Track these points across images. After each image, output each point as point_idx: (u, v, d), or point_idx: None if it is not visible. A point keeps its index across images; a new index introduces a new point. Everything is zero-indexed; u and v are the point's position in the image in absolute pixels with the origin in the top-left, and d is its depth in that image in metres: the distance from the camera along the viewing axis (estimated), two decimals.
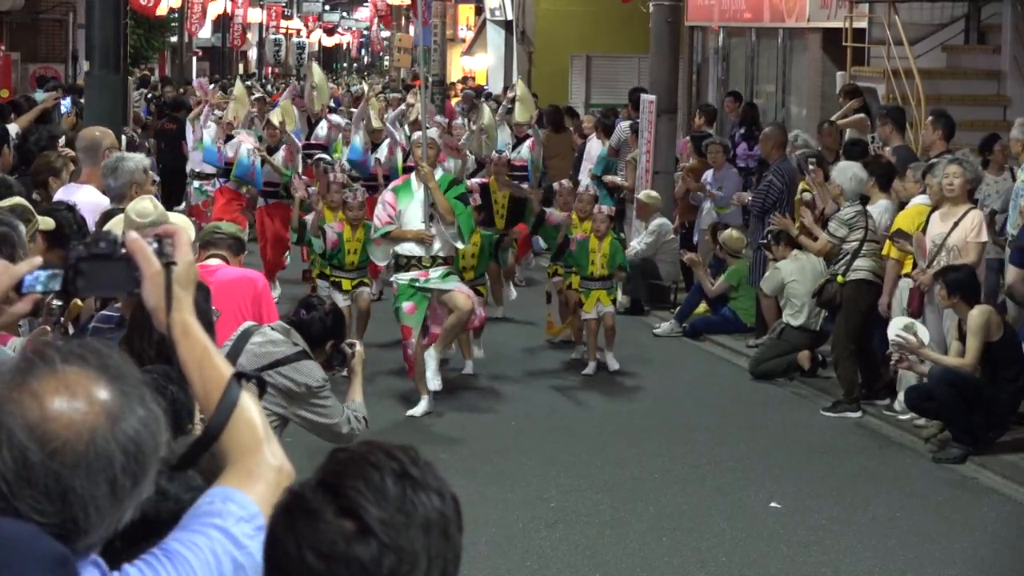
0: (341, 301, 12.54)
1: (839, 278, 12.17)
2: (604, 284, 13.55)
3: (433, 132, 12.62)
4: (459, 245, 12.01)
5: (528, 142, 17.54)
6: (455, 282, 11.85)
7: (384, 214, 11.83)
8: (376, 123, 17.83)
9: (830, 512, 9.54)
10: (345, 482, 2.24)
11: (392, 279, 12.02)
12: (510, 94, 18.91)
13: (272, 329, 6.76)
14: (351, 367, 6.91)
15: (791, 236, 13.38)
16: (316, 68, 20.70)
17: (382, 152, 17.48)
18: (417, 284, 11.72)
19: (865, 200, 12.63)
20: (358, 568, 2.20)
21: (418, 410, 11.59)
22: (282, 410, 6.58)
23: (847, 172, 12.44)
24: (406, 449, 2.32)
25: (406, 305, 11.75)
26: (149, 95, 29.31)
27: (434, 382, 11.57)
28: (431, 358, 11.59)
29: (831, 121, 15.80)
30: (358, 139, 17.65)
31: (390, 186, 12.43)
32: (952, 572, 8.57)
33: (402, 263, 11.84)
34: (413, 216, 11.80)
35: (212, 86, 24.51)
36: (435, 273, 11.72)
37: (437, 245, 11.78)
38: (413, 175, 12.00)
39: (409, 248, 11.79)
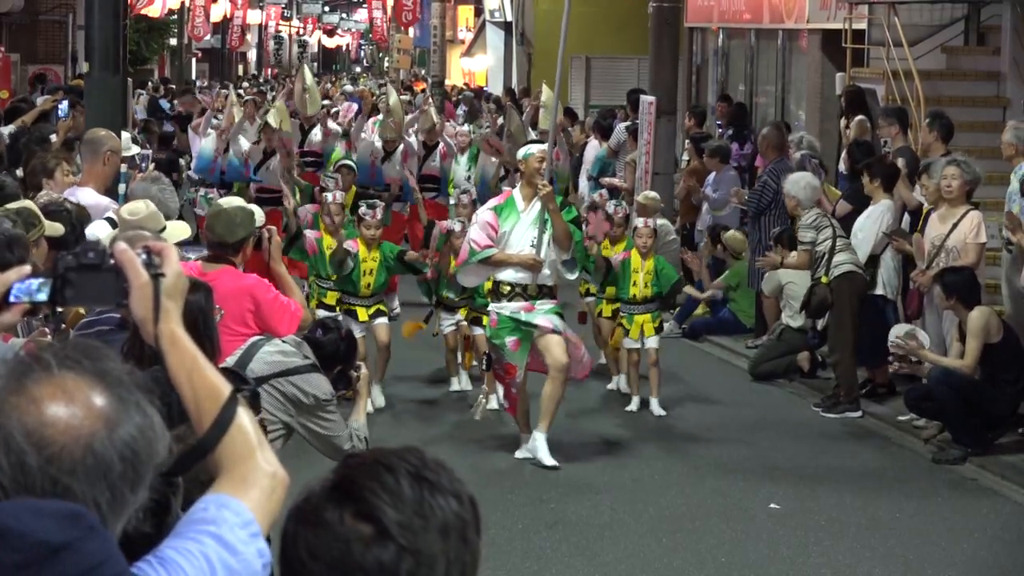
0: (357, 333, 11.01)
1: (823, 279, 12.20)
2: (648, 308, 12.19)
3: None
4: (569, 277, 10.75)
5: (554, 152, 17.02)
6: (559, 321, 10.43)
7: (483, 235, 10.37)
8: (392, 133, 17.06)
9: (829, 513, 9.54)
10: (361, 486, 2.23)
11: (490, 309, 10.58)
12: (534, 101, 18.23)
13: (283, 341, 6.77)
14: (356, 389, 6.91)
15: (792, 237, 13.36)
16: (307, 71, 19.86)
17: (396, 160, 16.81)
18: (520, 319, 10.37)
19: (866, 201, 12.65)
20: (376, 572, 2.18)
21: (527, 453, 10.51)
22: (288, 419, 6.59)
23: (800, 183, 12.60)
24: (417, 452, 2.31)
25: (509, 341, 10.35)
26: (144, 94, 29.21)
27: (549, 460, 10.30)
28: (541, 439, 10.36)
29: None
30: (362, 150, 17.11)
31: (488, 204, 10.84)
32: (952, 573, 8.57)
33: (504, 292, 10.43)
34: (518, 239, 10.38)
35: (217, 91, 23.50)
36: (542, 307, 10.39)
37: (546, 272, 10.41)
38: (517, 192, 10.59)
39: (512, 275, 10.39)
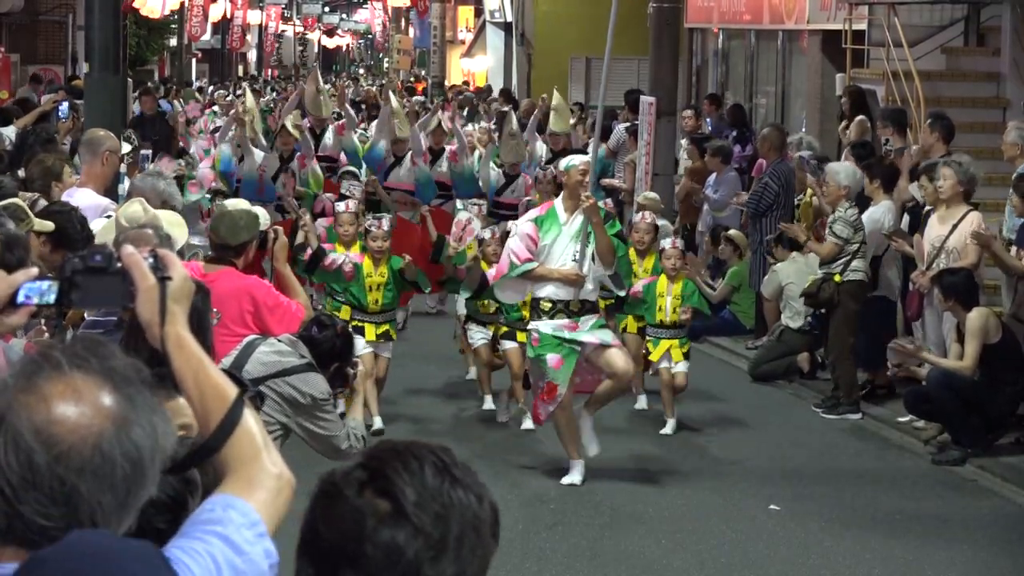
0: (361, 349, 10.73)
1: (836, 277, 12.18)
2: (676, 333, 11.65)
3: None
4: (620, 293, 10.44)
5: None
6: (610, 336, 10.05)
7: (523, 248, 9.89)
8: (403, 132, 16.45)
9: (829, 514, 9.54)
10: (386, 466, 2.29)
11: (530, 327, 10.08)
12: (544, 104, 17.85)
13: (279, 340, 6.76)
14: (352, 387, 6.90)
15: (792, 239, 13.34)
16: (319, 73, 19.55)
17: (405, 165, 16.33)
18: (564, 336, 9.85)
19: (867, 201, 12.65)
20: (385, 548, 2.24)
21: (574, 478, 9.94)
22: (286, 419, 6.58)
23: (854, 173, 12.43)
24: (449, 452, 2.37)
25: (551, 358, 9.82)
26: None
27: (592, 447, 9.98)
28: (586, 421, 10.01)
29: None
30: (381, 145, 16.54)
31: (529, 215, 10.36)
32: (952, 574, 8.58)
33: (544, 308, 9.91)
34: (559, 252, 9.89)
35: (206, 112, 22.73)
36: (586, 324, 9.89)
37: (588, 287, 9.91)
38: (559, 203, 10.08)
39: (553, 291, 9.88)
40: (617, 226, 10.25)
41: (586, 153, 11.34)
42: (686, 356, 11.73)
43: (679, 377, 11.57)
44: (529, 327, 10.11)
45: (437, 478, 2.29)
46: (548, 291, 9.89)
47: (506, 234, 11.40)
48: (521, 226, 10.17)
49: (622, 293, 10.45)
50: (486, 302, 11.51)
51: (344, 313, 11.04)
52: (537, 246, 9.89)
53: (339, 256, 11.22)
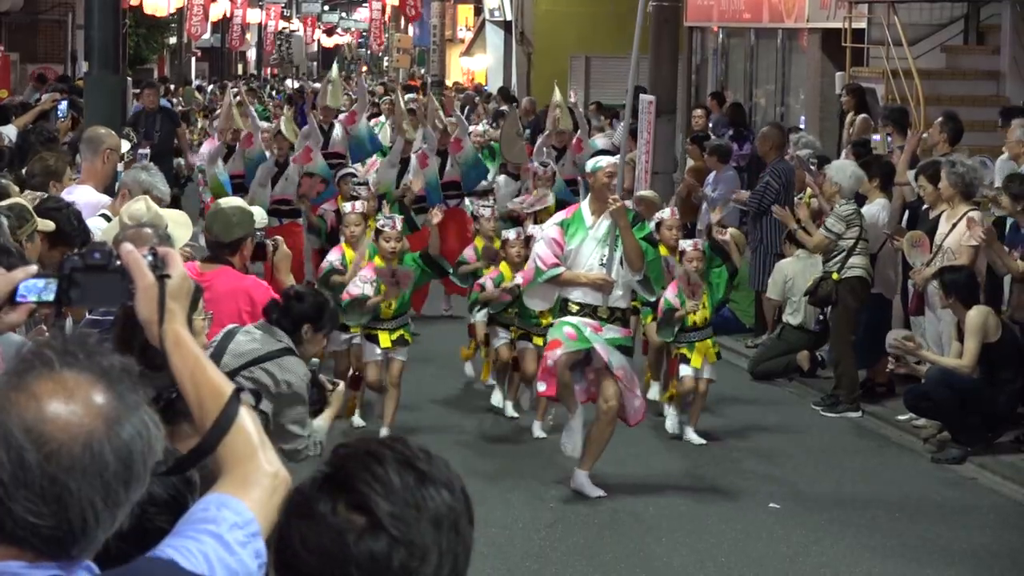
0: (376, 355, 10.92)
1: (834, 275, 12.18)
2: (706, 333, 11.29)
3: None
4: (650, 297, 10.13)
5: (574, 143, 16.88)
6: (620, 358, 9.64)
7: (549, 253, 9.59)
8: (410, 135, 16.53)
9: (829, 513, 9.54)
10: (353, 477, 2.25)
11: (556, 321, 9.78)
12: (553, 107, 17.70)
13: (254, 327, 6.70)
14: (328, 402, 6.79)
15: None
16: (335, 65, 19.52)
17: (412, 168, 16.28)
18: (584, 332, 9.51)
19: (862, 199, 12.66)
20: (368, 563, 2.20)
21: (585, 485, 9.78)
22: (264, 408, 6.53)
23: (846, 170, 12.45)
24: (403, 441, 2.34)
25: (567, 329, 9.55)
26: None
27: (595, 492, 9.66)
28: (583, 476, 9.69)
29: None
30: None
31: (555, 218, 10.10)
32: (951, 573, 8.58)
33: (572, 311, 9.61)
34: (586, 256, 9.61)
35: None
36: (609, 332, 9.59)
37: (618, 293, 9.62)
38: (585, 205, 9.84)
39: (581, 296, 9.61)
40: (647, 229, 9.89)
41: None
42: (718, 355, 11.46)
43: (701, 383, 11.18)
44: (555, 321, 9.85)
45: (405, 478, 2.25)
46: (576, 294, 9.63)
47: (529, 237, 11.33)
48: (547, 230, 9.90)
49: (652, 298, 10.20)
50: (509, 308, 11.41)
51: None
52: (563, 250, 9.62)
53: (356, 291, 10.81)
